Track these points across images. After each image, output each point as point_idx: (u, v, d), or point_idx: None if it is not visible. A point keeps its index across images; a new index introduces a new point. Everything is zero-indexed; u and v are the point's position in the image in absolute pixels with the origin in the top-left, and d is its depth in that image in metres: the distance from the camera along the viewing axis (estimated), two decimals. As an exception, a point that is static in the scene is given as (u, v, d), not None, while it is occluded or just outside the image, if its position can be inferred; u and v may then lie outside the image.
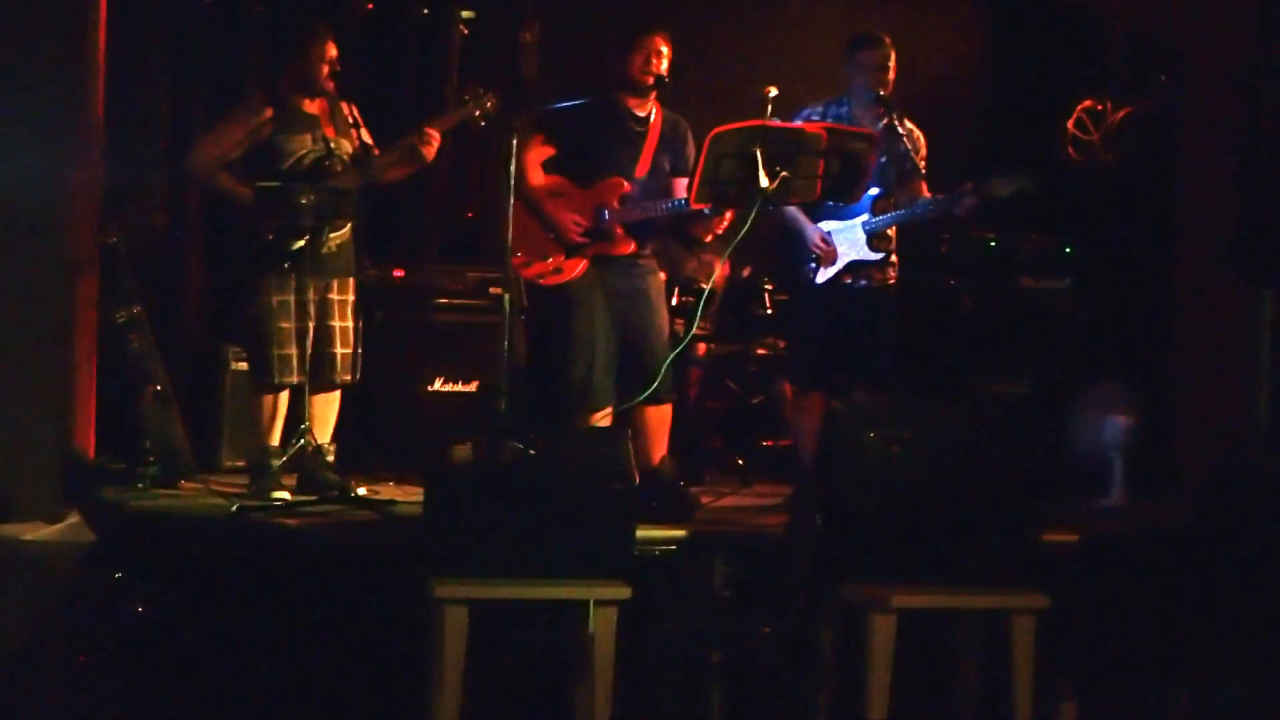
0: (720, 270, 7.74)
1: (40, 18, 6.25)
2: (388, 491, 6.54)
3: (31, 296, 6.23)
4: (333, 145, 6.55)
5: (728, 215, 6.35)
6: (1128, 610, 5.61)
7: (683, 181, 6.45)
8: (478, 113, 6.58)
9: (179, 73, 8.12)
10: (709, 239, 6.63)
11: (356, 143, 6.58)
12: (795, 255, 6.63)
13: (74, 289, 6.47)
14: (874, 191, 6.48)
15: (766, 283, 7.95)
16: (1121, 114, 8.09)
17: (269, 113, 6.52)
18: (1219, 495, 6.50)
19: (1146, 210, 7.93)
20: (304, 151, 6.52)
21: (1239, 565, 5.74)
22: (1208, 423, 7.10)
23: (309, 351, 6.45)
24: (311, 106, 6.60)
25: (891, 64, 6.49)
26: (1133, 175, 8.04)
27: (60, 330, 6.34)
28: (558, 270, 6.41)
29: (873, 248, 6.51)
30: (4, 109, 6.23)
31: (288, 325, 6.45)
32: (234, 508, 6.05)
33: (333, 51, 6.55)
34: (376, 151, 6.58)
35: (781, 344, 7.90)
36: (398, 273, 7.77)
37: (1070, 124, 8.16)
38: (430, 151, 6.56)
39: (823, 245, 6.49)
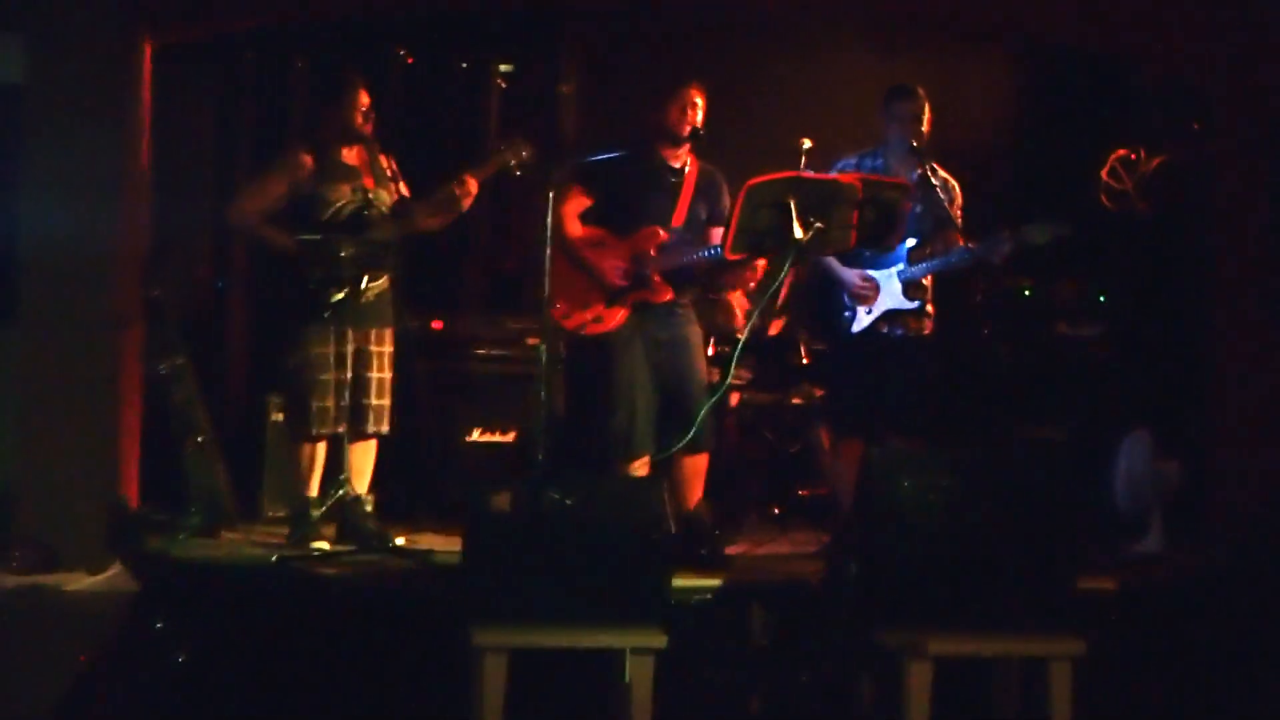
0: (775, 324, 7.80)
1: (86, 77, 6.36)
2: (426, 541, 6.57)
3: (77, 349, 6.32)
4: (371, 196, 6.62)
5: (760, 267, 6.39)
6: (1166, 656, 5.61)
7: (718, 231, 6.49)
8: (513, 162, 6.64)
9: (223, 127, 8.23)
10: (741, 291, 6.68)
11: (395, 194, 6.65)
12: (832, 304, 6.65)
13: (119, 341, 6.54)
14: (910, 242, 6.50)
15: (802, 331, 7.98)
16: (1155, 162, 8.09)
17: (309, 164, 6.59)
18: (1258, 541, 6.49)
19: (1181, 257, 7.93)
20: (343, 202, 6.59)
21: (1276, 612, 5.73)
22: (1245, 469, 7.07)
23: (347, 403, 6.50)
24: (350, 157, 6.67)
25: (926, 115, 6.51)
26: (1167, 222, 8.04)
27: (105, 382, 6.41)
28: (598, 320, 6.45)
29: (908, 296, 6.52)
30: (51, 166, 6.33)
31: (326, 377, 6.50)
32: (274, 557, 6.10)
33: (365, 100, 6.62)
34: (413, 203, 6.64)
35: (818, 392, 7.92)
36: (437, 323, 7.83)
37: (1104, 173, 8.17)
38: (468, 200, 6.62)
39: (863, 285, 6.51)
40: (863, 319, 6.57)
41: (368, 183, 6.65)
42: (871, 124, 6.71)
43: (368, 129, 6.64)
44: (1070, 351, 8.02)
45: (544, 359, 6.00)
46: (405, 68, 8.57)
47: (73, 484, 6.26)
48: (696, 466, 6.48)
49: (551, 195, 6.08)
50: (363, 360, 6.57)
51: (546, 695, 5.22)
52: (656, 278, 6.44)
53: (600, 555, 4.90)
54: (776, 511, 7.71)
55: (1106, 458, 7.17)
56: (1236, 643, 5.69)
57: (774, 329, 8.05)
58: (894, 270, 6.54)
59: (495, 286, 8.74)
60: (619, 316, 6.44)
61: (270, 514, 7.28)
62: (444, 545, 6.36)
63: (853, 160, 6.58)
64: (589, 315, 6.45)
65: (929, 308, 6.64)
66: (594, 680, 5.17)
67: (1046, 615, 4.98)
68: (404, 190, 6.67)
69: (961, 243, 6.52)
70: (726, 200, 6.52)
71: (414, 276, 6.94)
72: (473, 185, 6.60)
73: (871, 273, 6.55)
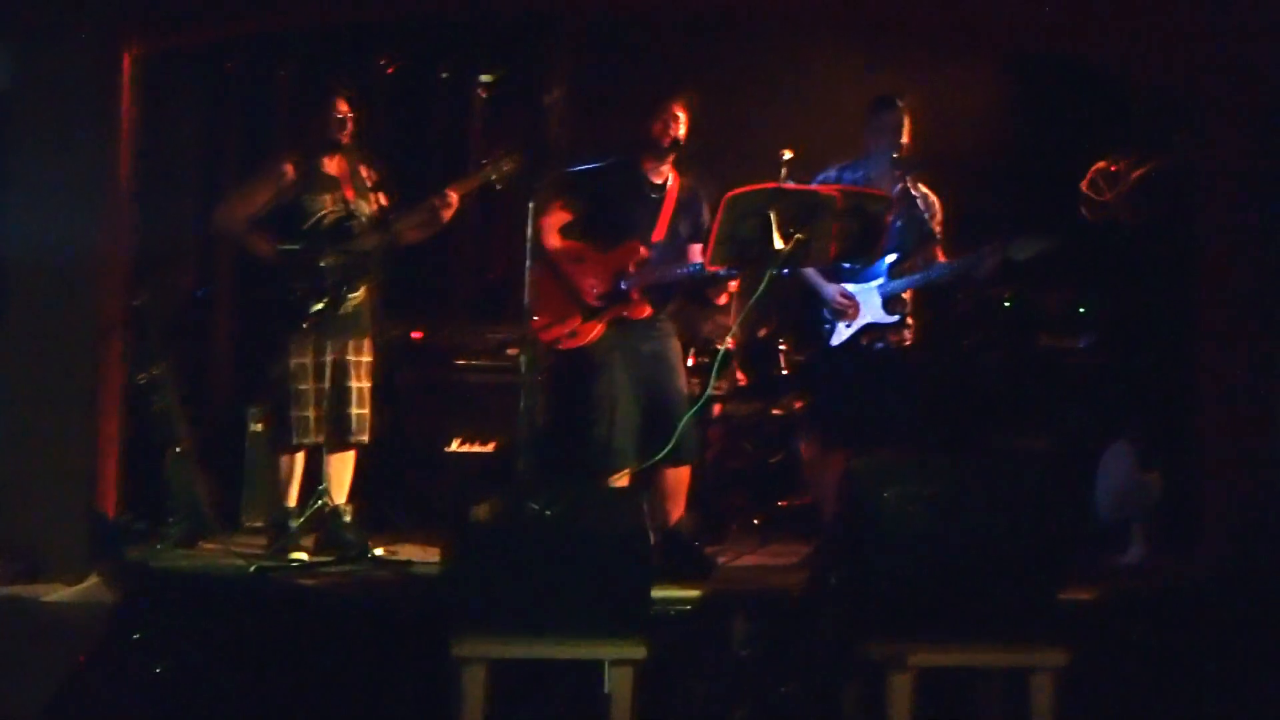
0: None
1: (69, 85, 6.35)
2: (406, 551, 6.56)
3: (58, 357, 6.30)
4: (353, 207, 6.62)
5: (734, 286, 6.39)
6: (1148, 667, 5.61)
7: (699, 247, 6.49)
8: (495, 176, 6.66)
9: (206, 135, 8.22)
10: (722, 301, 6.68)
11: (375, 205, 6.65)
12: (812, 316, 6.64)
13: (100, 350, 6.53)
14: (891, 257, 6.50)
15: (782, 343, 7.98)
16: (1138, 172, 8.11)
17: (291, 173, 6.60)
18: (1240, 553, 6.50)
19: (1164, 268, 7.93)
20: (324, 212, 6.59)
21: (1262, 623, 5.74)
22: (1229, 480, 7.07)
23: (326, 412, 6.50)
24: (332, 167, 6.67)
25: (906, 126, 6.51)
26: (1150, 233, 8.05)
27: (86, 391, 6.39)
28: (574, 334, 6.44)
29: (888, 311, 6.52)
30: (34, 173, 6.32)
31: (306, 387, 6.50)
32: (253, 568, 6.09)
33: (345, 110, 6.62)
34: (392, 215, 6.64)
35: (799, 403, 7.91)
36: (417, 334, 7.82)
37: (1084, 185, 8.19)
38: (448, 214, 6.63)
39: (843, 300, 6.50)
40: (842, 331, 6.55)
41: (348, 193, 6.65)
42: (853, 135, 6.71)
43: (347, 139, 6.65)
44: (1052, 362, 8.03)
45: (525, 370, 5.99)
46: (387, 77, 8.57)
47: (52, 494, 6.23)
48: (679, 478, 6.48)
49: (532, 206, 6.07)
50: (342, 370, 6.57)
51: (527, 706, 5.21)
52: (636, 294, 6.43)
53: (581, 566, 4.89)
54: (758, 522, 7.71)
55: (1089, 469, 7.18)
56: (1219, 653, 5.69)
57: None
58: (874, 285, 6.53)
59: (477, 297, 8.74)
60: (596, 332, 6.43)
61: (249, 524, 7.27)
62: (424, 555, 6.36)
63: (833, 172, 6.58)
64: (565, 330, 6.44)
65: (909, 320, 6.64)
66: (574, 691, 5.16)
67: (1029, 626, 4.97)
68: (382, 200, 6.67)
69: (943, 258, 6.52)
70: (707, 217, 6.51)
71: (396, 286, 6.93)
72: (454, 198, 6.61)
73: (852, 287, 6.53)
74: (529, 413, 6.03)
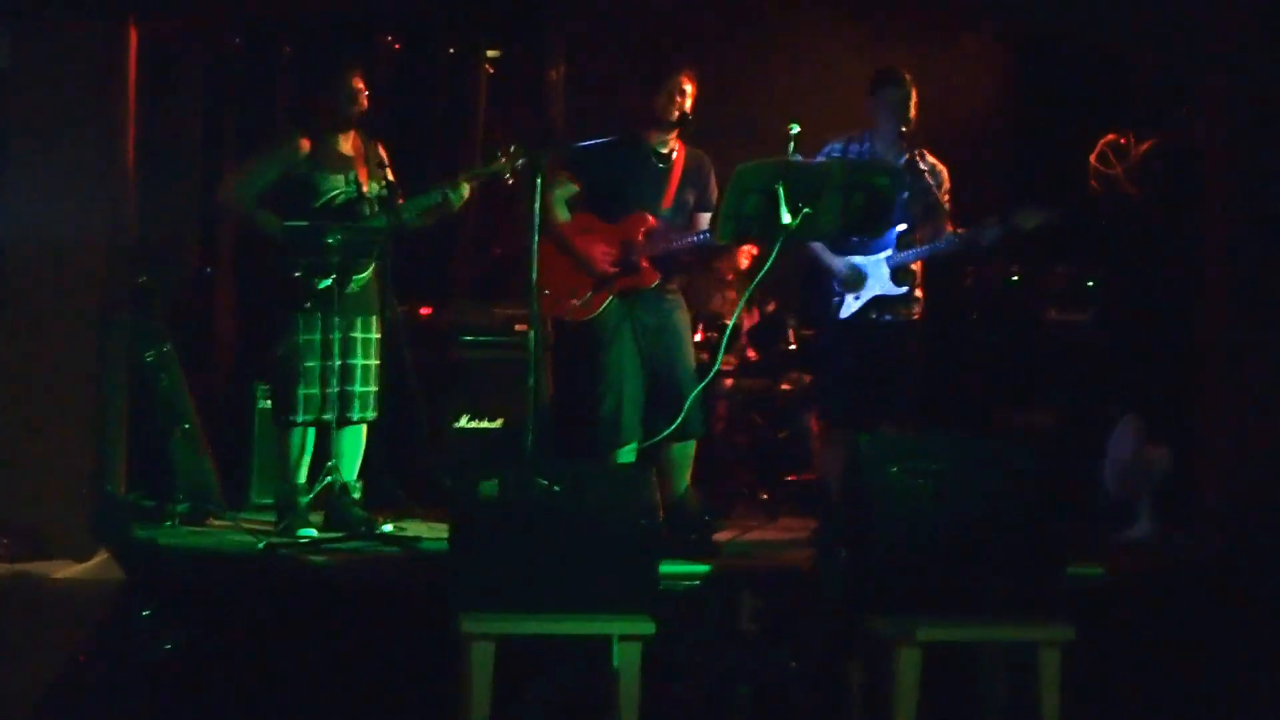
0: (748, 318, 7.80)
1: (72, 63, 6.34)
2: (414, 528, 6.56)
3: (63, 336, 6.30)
4: (365, 189, 6.60)
5: (752, 250, 6.37)
6: (1155, 642, 5.61)
7: (705, 216, 6.47)
8: (509, 168, 6.64)
9: (210, 114, 8.21)
10: (731, 276, 6.67)
11: (386, 186, 6.62)
12: (820, 290, 6.64)
13: (105, 329, 6.53)
14: (900, 227, 6.48)
15: (790, 316, 7.98)
16: (1145, 146, 8.09)
17: (306, 148, 6.58)
18: (1247, 527, 6.50)
19: (1171, 241, 7.93)
20: (336, 191, 6.57)
21: (1266, 598, 5.74)
22: (1234, 455, 7.07)
23: (334, 390, 6.49)
24: (346, 146, 6.64)
25: (913, 100, 6.50)
26: (1157, 207, 8.03)
27: (91, 370, 6.40)
28: (584, 306, 6.43)
29: (897, 282, 6.51)
30: (36, 152, 6.32)
31: (313, 364, 6.49)
32: (261, 545, 6.09)
33: (359, 84, 6.61)
34: (401, 197, 6.62)
35: (807, 378, 7.91)
36: (425, 310, 7.82)
37: (1093, 158, 8.17)
38: (460, 202, 6.64)
39: (852, 274, 6.50)
40: (851, 304, 6.55)
41: (362, 174, 6.63)
42: (860, 109, 6.69)
43: (360, 115, 6.63)
44: (1060, 337, 8.03)
45: (532, 346, 5.98)
46: (393, 54, 8.55)
47: (59, 472, 6.25)
48: (686, 453, 6.47)
49: (539, 181, 6.06)
50: (350, 347, 6.56)
51: (535, 682, 5.22)
52: (645, 263, 6.42)
53: (588, 542, 4.89)
54: (765, 498, 7.71)
55: (1096, 443, 7.17)
56: (1225, 628, 5.69)
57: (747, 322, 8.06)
58: (883, 256, 6.52)
59: (484, 273, 8.73)
60: (604, 303, 6.42)
61: (257, 501, 7.28)
62: (431, 532, 6.36)
63: (839, 145, 6.57)
64: (575, 301, 6.43)
65: (918, 293, 6.63)
66: (582, 667, 5.16)
67: (1036, 601, 4.97)
68: (393, 180, 6.66)
69: (950, 228, 6.50)
70: (714, 186, 6.51)
71: (403, 264, 6.93)
72: (466, 189, 6.62)
73: (860, 258, 6.53)
74: (537, 388, 6.02)
